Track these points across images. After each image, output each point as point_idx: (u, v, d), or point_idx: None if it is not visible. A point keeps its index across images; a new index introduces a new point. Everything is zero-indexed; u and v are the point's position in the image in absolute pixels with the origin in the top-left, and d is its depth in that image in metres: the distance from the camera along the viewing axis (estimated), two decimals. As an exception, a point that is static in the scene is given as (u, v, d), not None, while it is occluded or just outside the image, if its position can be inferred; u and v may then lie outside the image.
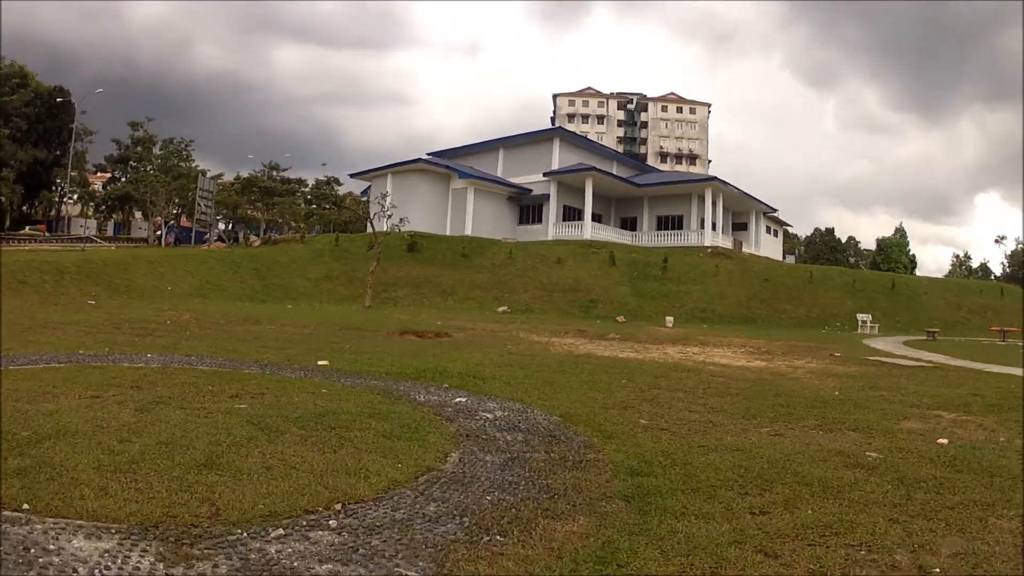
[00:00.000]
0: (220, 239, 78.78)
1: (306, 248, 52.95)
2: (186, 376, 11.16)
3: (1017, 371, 18.42)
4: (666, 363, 17.53)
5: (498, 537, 4.82)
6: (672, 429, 8.92)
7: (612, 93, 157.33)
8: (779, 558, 4.66)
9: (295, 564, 4.17)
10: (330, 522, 4.96)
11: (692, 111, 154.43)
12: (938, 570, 4.58)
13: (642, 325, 36.05)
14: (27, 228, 78.01)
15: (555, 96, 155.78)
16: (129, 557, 4.04)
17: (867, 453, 7.93)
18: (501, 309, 41.94)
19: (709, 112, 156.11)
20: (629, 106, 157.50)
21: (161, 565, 3.97)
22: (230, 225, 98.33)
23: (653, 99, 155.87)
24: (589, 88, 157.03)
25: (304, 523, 4.89)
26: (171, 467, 5.91)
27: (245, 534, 4.60)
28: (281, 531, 4.70)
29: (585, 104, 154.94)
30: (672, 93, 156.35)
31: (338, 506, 5.30)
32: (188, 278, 41.78)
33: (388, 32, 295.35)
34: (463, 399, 10.31)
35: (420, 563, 4.28)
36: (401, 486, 5.91)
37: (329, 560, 4.26)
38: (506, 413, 9.40)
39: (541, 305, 43.97)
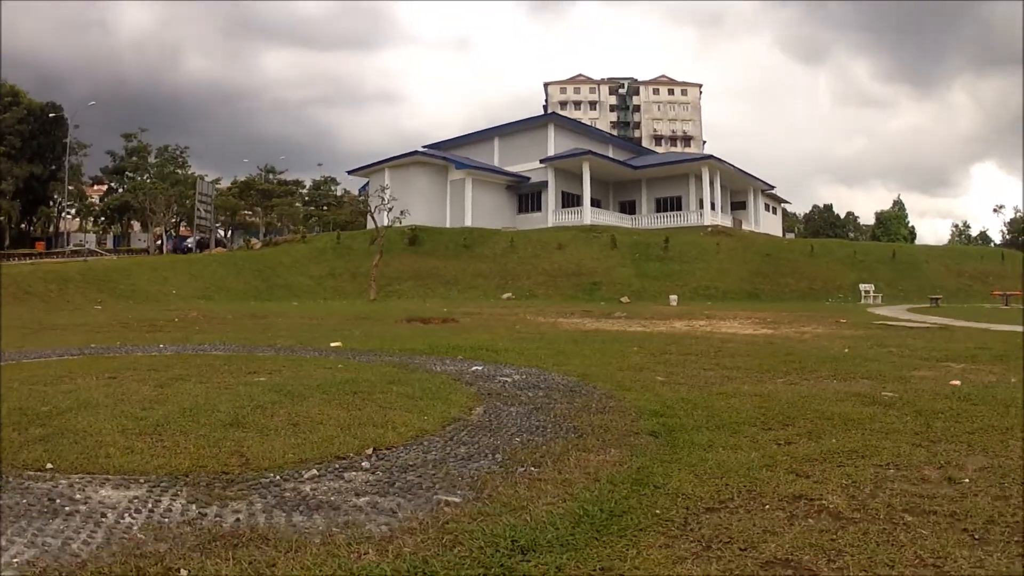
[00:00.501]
0: (221, 244, 78.76)
1: (307, 247, 52.97)
2: (202, 360, 11.20)
3: (1021, 328, 18.43)
4: (675, 334, 17.57)
5: (532, 468, 4.90)
6: (689, 383, 8.99)
7: (603, 79, 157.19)
8: (810, 477, 4.74)
9: (332, 498, 4.23)
10: (363, 463, 5.02)
11: (684, 92, 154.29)
12: (967, 480, 4.67)
13: (647, 304, 36.17)
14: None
15: (546, 85, 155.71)
16: (160, 501, 4.06)
17: (882, 393, 8.00)
18: (505, 296, 42.03)
19: (701, 93, 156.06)
20: (621, 91, 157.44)
21: (194, 506, 4.00)
22: (229, 232, 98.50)
23: (644, 83, 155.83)
24: (580, 75, 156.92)
25: (337, 466, 4.95)
26: (197, 427, 5.94)
27: (278, 477, 4.64)
28: (315, 471, 4.76)
29: (577, 91, 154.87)
30: (663, 76, 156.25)
31: (369, 451, 5.36)
32: (192, 282, 42.00)
33: (375, 31, 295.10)
34: (479, 367, 10.36)
35: (459, 492, 4.35)
36: (429, 434, 5.96)
37: (366, 494, 4.32)
38: (523, 376, 9.45)
39: (545, 290, 44.08)
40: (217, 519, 3.81)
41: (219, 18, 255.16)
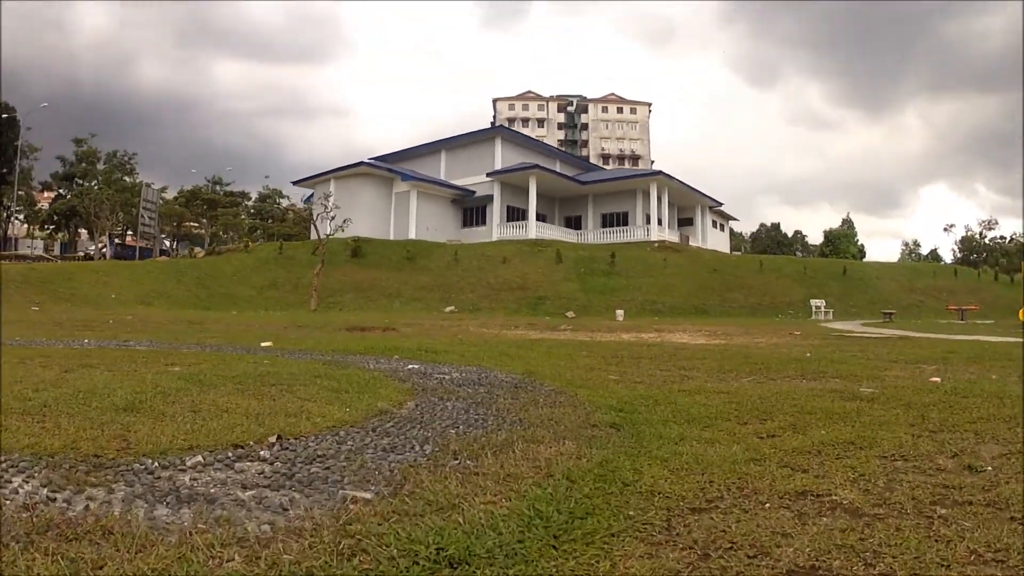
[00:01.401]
0: (164, 254, 77.41)
1: (250, 257, 52.00)
2: (121, 352, 10.52)
3: (987, 339, 18.18)
4: (624, 342, 16.87)
5: (468, 461, 4.00)
6: (646, 382, 8.20)
7: (552, 96, 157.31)
8: (809, 471, 3.94)
9: (212, 490, 3.37)
10: (262, 452, 4.16)
11: (633, 111, 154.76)
12: (989, 468, 4.05)
13: (593, 319, 35.56)
14: None
15: (495, 101, 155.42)
16: (10, 482, 3.38)
17: (861, 389, 7.37)
18: (448, 309, 41.24)
19: (650, 112, 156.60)
20: (569, 108, 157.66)
21: (44, 490, 3.26)
22: (175, 243, 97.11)
23: (593, 100, 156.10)
24: (529, 92, 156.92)
25: (230, 455, 4.07)
26: (86, 410, 5.18)
27: (156, 463, 3.81)
28: (200, 459, 3.89)
29: (525, 108, 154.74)
30: (612, 94, 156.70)
31: (272, 438, 4.48)
32: (133, 287, 41.09)
33: (327, 43, 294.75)
34: (416, 366, 9.49)
35: (372, 487, 3.43)
36: (349, 425, 5.06)
37: (255, 486, 3.45)
38: (463, 374, 8.59)
39: (489, 304, 43.35)
40: (64, 505, 3.09)
41: (174, 25, 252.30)
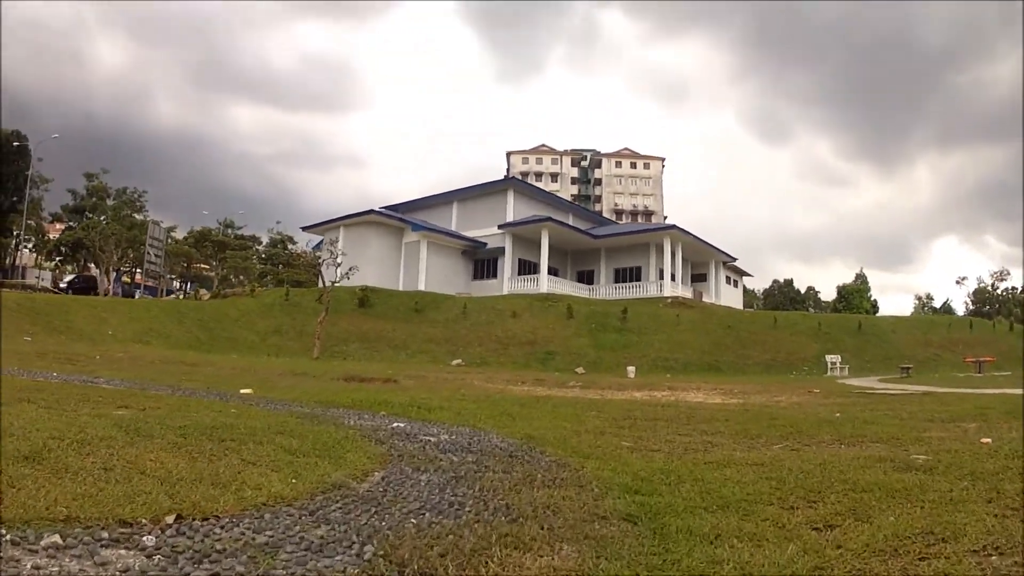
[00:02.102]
0: (170, 293, 76.80)
1: (256, 302, 50.94)
2: (80, 389, 9.64)
3: (1013, 391, 17.37)
4: (636, 401, 15.90)
5: (419, 578, 2.94)
6: (665, 450, 7.21)
7: (566, 150, 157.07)
8: (891, 580, 2.87)
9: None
10: (145, 538, 3.20)
11: (647, 166, 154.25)
12: None
13: (603, 375, 34.46)
14: None
15: (509, 154, 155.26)
16: None
17: (912, 456, 6.36)
18: (455, 362, 40.20)
19: (663, 167, 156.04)
20: (583, 163, 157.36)
21: None
22: (185, 283, 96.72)
23: (607, 155, 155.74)
24: (543, 145, 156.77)
25: (105, 537, 3.13)
26: None
27: (7, 538, 2.94)
28: (57, 539, 2.97)
29: (539, 161, 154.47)
30: (626, 148, 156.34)
31: (170, 518, 3.52)
32: (131, 324, 39.96)
33: (345, 93, 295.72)
34: (402, 424, 8.48)
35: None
36: (286, 504, 4.09)
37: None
38: (453, 437, 7.58)
39: (497, 358, 42.30)
40: None
41: (192, 66, 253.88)
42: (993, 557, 3.37)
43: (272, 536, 3.44)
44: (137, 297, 66.82)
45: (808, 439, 8.05)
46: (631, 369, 36.16)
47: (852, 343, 47.23)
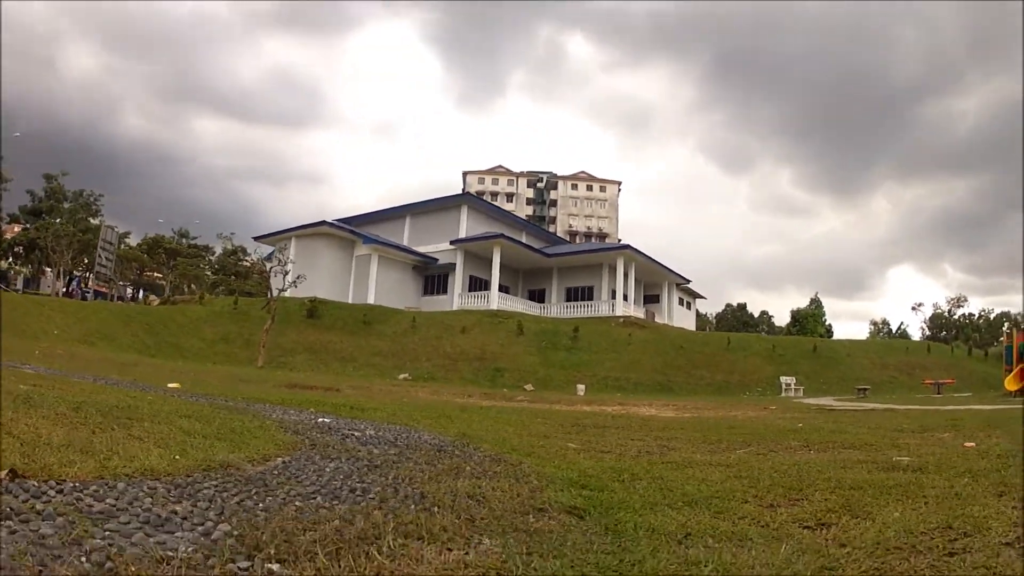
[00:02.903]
0: (121, 299, 75.42)
1: (204, 309, 49.77)
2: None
3: (979, 407, 17.20)
4: (586, 412, 15.19)
5: (271, 566, 2.18)
6: (616, 451, 6.51)
7: (522, 172, 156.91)
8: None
9: None
10: None
11: (603, 189, 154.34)
12: None
13: (553, 392, 33.82)
14: None
15: (465, 174, 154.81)
16: None
17: (896, 458, 5.70)
18: (402, 376, 39.38)
19: (619, 191, 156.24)
20: (539, 184, 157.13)
21: None
22: (138, 291, 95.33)
23: (563, 177, 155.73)
24: (499, 166, 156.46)
25: None
26: None
27: None
28: None
29: (495, 182, 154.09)
30: (583, 172, 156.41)
31: (3, 473, 2.93)
32: (78, 325, 38.90)
33: (306, 109, 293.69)
34: (327, 420, 7.65)
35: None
36: (152, 477, 3.33)
37: None
38: (380, 432, 6.81)
39: (445, 373, 41.53)
40: None
41: (161, 77, 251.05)
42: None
43: (113, 505, 2.80)
44: (89, 300, 65.60)
45: (773, 444, 7.36)
46: (581, 387, 35.64)
47: (807, 366, 46.93)
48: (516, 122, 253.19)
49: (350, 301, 55.52)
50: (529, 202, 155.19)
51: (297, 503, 3.16)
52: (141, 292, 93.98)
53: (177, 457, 3.85)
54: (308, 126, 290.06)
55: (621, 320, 55.33)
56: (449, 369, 42.27)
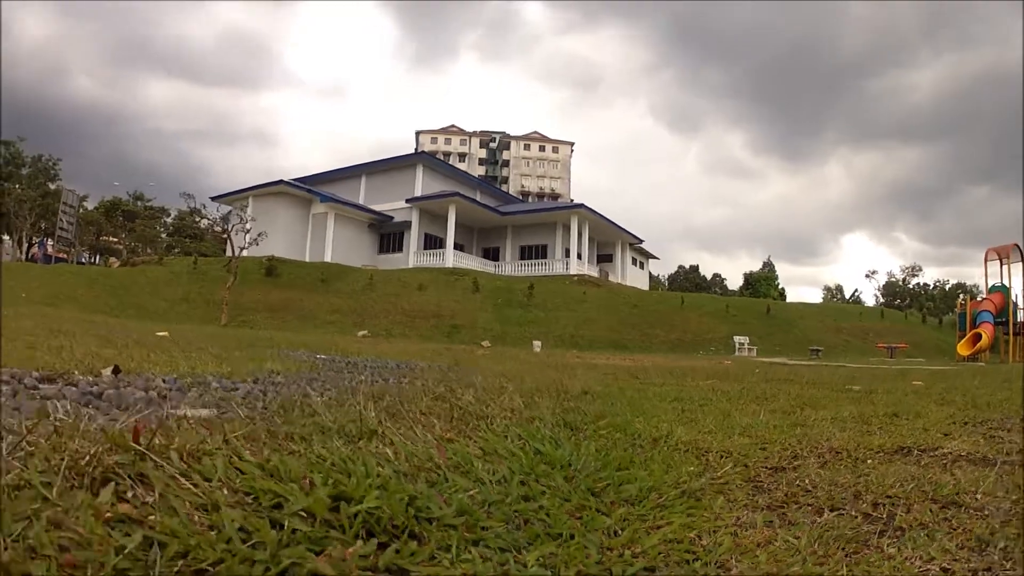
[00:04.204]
0: (80, 263, 74.94)
1: (164, 270, 49.85)
2: None
3: (930, 367, 17.91)
4: (545, 361, 15.79)
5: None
6: (583, 379, 7.05)
7: (475, 131, 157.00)
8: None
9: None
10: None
11: (555, 150, 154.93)
12: None
13: (508, 349, 34.48)
14: None
15: (418, 133, 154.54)
16: None
17: (848, 387, 6.44)
18: (361, 333, 39.79)
19: (572, 151, 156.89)
20: (492, 144, 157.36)
21: None
22: (96, 255, 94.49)
23: (516, 137, 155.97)
24: (452, 126, 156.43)
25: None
26: None
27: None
28: None
29: (448, 142, 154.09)
30: (535, 132, 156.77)
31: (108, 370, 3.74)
32: (42, 288, 39.05)
33: (256, 69, 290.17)
34: (323, 356, 8.27)
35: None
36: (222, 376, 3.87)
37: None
38: (381, 362, 7.37)
39: (403, 330, 42.06)
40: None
41: (113, 39, 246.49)
42: (955, 424, 3.61)
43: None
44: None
45: (735, 380, 8.06)
46: (537, 344, 36.19)
47: (760, 327, 47.86)
48: (469, 83, 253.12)
49: (307, 259, 55.88)
50: (482, 162, 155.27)
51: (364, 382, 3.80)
52: (97, 257, 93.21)
53: (229, 369, 4.48)
54: (259, 87, 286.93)
55: (575, 278, 56.02)
56: (407, 326, 42.72)
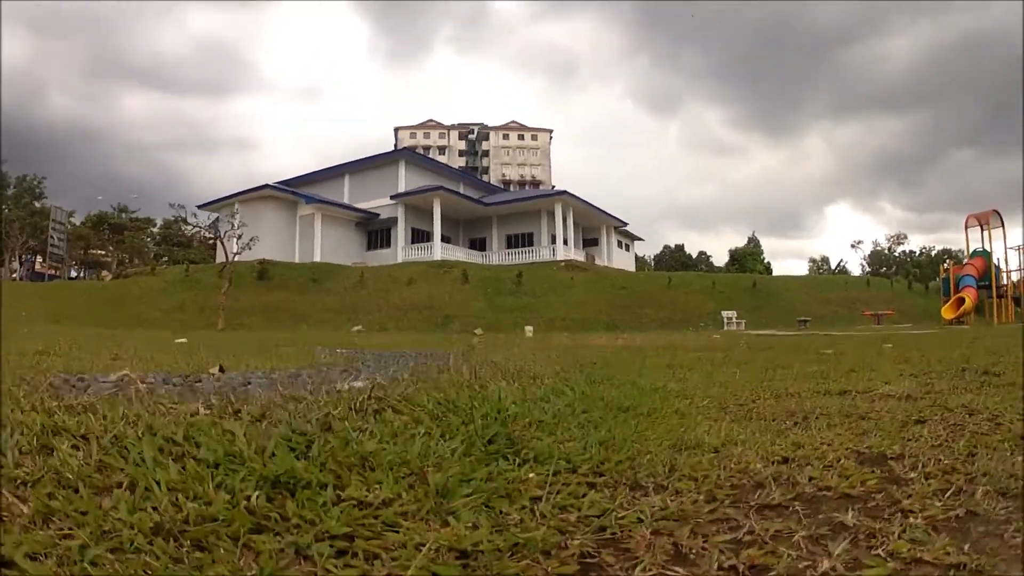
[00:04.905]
0: (71, 279, 75.27)
1: (157, 280, 50.38)
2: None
3: (914, 332, 18.61)
4: (539, 344, 16.45)
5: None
6: (584, 360, 7.62)
7: (454, 124, 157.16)
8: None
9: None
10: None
11: (534, 138, 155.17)
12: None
13: (502, 335, 35.09)
14: None
15: (396, 129, 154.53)
16: None
17: (822, 351, 7.13)
18: (356, 328, 40.26)
19: (551, 138, 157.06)
20: (471, 136, 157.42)
21: None
22: (83, 270, 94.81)
23: (495, 128, 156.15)
24: (431, 120, 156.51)
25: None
26: None
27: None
28: None
29: (427, 136, 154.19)
30: (513, 121, 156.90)
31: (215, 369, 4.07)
32: (43, 305, 39.82)
33: (231, 76, 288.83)
34: (342, 350, 8.96)
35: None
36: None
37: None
38: (400, 352, 8.08)
39: (396, 323, 42.57)
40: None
41: (87, 53, 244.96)
42: (902, 376, 4.19)
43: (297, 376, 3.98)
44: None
45: (720, 350, 8.80)
46: (529, 329, 36.60)
47: (748, 301, 48.47)
48: (445, 76, 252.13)
49: (297, 261, 56.27)
50: (462, 154, 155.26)
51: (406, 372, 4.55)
52: (85, 271, 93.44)
53: (287, 364, 5.20)
54: (234, 93, 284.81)
55: (562, 264, 56.51)
56: (400, 319, 43.20)
